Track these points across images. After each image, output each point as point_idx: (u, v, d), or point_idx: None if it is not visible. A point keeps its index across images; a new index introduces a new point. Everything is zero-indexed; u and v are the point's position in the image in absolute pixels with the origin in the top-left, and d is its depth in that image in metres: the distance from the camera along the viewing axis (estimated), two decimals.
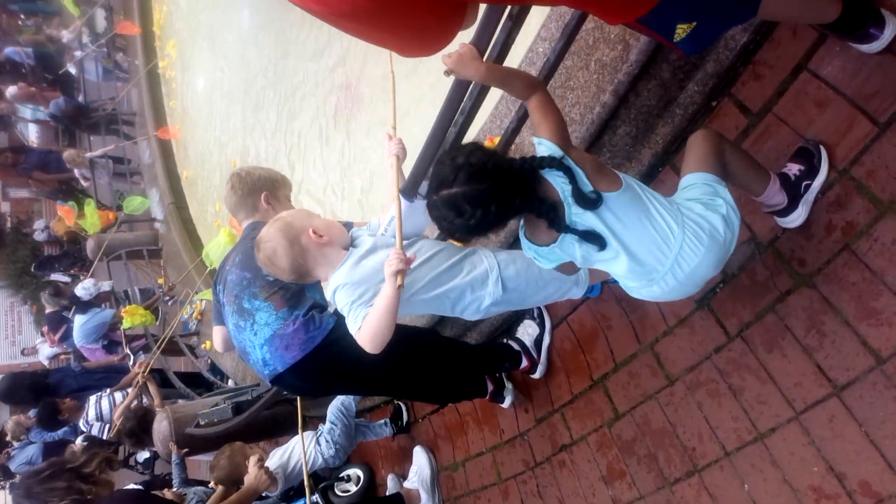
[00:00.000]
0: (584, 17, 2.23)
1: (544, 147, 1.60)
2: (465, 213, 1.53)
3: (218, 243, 5.13)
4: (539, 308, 2.87)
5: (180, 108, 9.29)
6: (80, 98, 10.28)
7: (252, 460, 3.14)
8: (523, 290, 2.14)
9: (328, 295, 2.02)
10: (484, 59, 2.18)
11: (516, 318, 3.01)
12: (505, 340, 2.88)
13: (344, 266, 1.98)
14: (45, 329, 8.87)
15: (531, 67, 2.49)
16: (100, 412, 5.48)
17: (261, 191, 2.55)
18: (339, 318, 2.37)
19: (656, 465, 2.41)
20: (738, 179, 1.88)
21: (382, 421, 3.84)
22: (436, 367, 2.59)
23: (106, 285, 7.39)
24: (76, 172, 9.34)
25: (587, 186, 1.57)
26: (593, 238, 1.60)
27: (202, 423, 4.10)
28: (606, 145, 2.39)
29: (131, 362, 6.03)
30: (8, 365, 15.43)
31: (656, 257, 1.64)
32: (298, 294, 2.37)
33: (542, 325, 2.86)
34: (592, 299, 2.67)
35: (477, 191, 1.52)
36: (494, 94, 2.41)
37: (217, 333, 2.67)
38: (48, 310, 8.43)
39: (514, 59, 2.46)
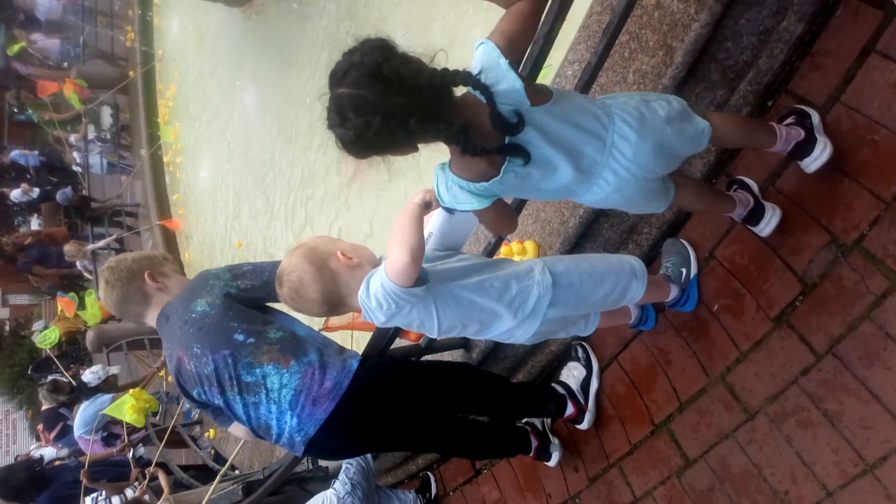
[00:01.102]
0: (617, 32, 2.12)
1: (481, 49, 1.39)
2: (348, 121, 1.30)
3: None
4: (584, 347, 2.60)
5: (183, 196, 9.30)
6: (84, 192, 10.33)
7: None
8: (578, 287, 1.86)
9: (362, 300, 1.69)
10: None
11: (558, 362, 2.74)
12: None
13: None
14: (40, 427, 8.41)
15: None
16: None
17: (141, 270, 2.23)
18: (363, 361, 2.12)
19: None
20: (746, 140, 1.94)
21: (409, 490, 3.47)
22: (477, 401, 2.30)
23: (114, 369, 7.07)
24: (78, 265, 9.20)
25: (510, 105, 1.38)
26: (518, 152, 1.43)
27: None
28: None
29: (131, 454, 5.63)
30: None
31: (591, 156, 1.54)
32: (292, 338, 2.10)
33: (588, 367, 2.58)
34: (646, 333, 2.41)
35: (361, 97, 1.28)
36: None
37: (236, 430, 2.32)
38: (45, 406, 8.02)
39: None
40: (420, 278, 1.61)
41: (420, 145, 1.43)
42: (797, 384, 1.94)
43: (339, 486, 3.08)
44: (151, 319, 2.25)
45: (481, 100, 1.37)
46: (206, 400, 2.13)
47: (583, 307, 1.92)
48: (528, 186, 1.57)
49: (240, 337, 2.04)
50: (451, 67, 1.37)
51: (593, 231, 2.46)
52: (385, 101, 1.28)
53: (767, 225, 2.00)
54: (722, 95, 2.09)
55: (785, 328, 1.99)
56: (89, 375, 6.82)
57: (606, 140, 1.53)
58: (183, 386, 2.16)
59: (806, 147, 1.87)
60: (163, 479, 4.87)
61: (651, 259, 2.40)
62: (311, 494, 4.38)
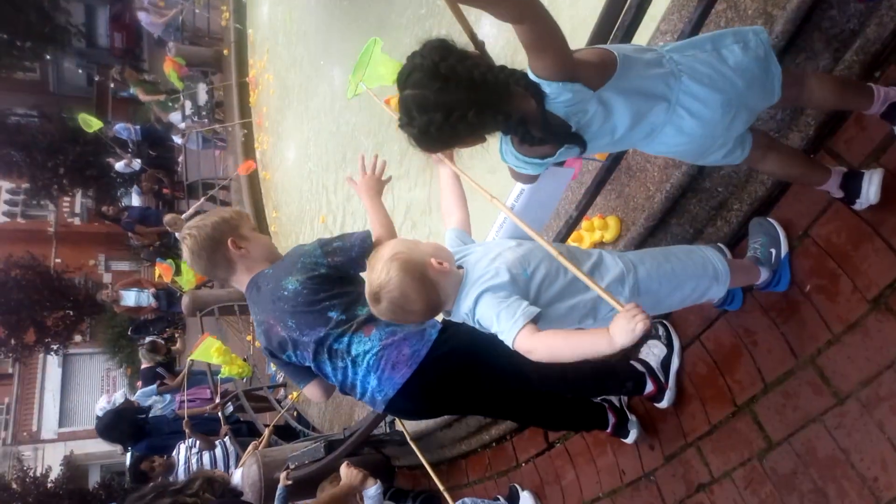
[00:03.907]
0: (713, 0, 2.07)
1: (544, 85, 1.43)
2: (414, 120, 1.42)
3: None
4: (665, 325, 2.57)
5: (271, 172, 9.65)
6: (180, 162, 10.96)
7: (342, 468, 2.94)
8: (656, 292, 1.87)
9: (462, 316, 1.79)
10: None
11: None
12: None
13: (472, 273, 1.77)
14: (138, 384, 9.06)
15: None
16: (188, 471, 5.41)
17: (224, 238, 2.24)
18: (443, 329, 2.18)
19: (826, 502, 2.02)
20: (842, 101, 1.87)
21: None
22: (554, 375, 2.33)
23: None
24: (177, 235, 9.76)
25: (571, 105, 1.45)
26: (575, 141, 1.51)
27: (292, 466, 3.93)
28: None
29: (221, 413, 5.99)
30: None
31: (655, 115, 1.57)
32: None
33: (669, 346, 2.55)
34: (732, 313, 2.36)
35: (423, 96, 1.39)
36: None
37: (312, 389, 2.39)
38: (144, 365, 8.63)
39: None
40: None
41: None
42: (893, 368, 1.86)
43: None
44: (238, 283, 2.33)
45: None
46: (296, 361, 2.27)
47: (658, 309, 1.92)
48: (591, 149, 1.61)
49: (333, 314, 2.15)
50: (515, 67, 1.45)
51: (680, 206, 2.41)
52: (444, 97, 1.38)
53: None
54: (825, 65, 2.00)
55: (882, 310, 1.90)
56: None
57: (672, 99, 1.56)
58: (270, 349, 2.28)
59: None
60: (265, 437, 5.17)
61: (741, 237, 2.34)
62: (387, 458, 4.56)
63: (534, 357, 1.60)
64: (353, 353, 2.15)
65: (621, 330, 1.42)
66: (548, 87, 1.42)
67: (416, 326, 2.18)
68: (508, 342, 1.63)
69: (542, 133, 1.47)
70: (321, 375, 2.29)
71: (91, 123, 9.80)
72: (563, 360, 1.59)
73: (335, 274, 2.21)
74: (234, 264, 2.28)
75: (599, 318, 1.85)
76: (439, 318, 2.35)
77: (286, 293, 2.16)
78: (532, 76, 1.43)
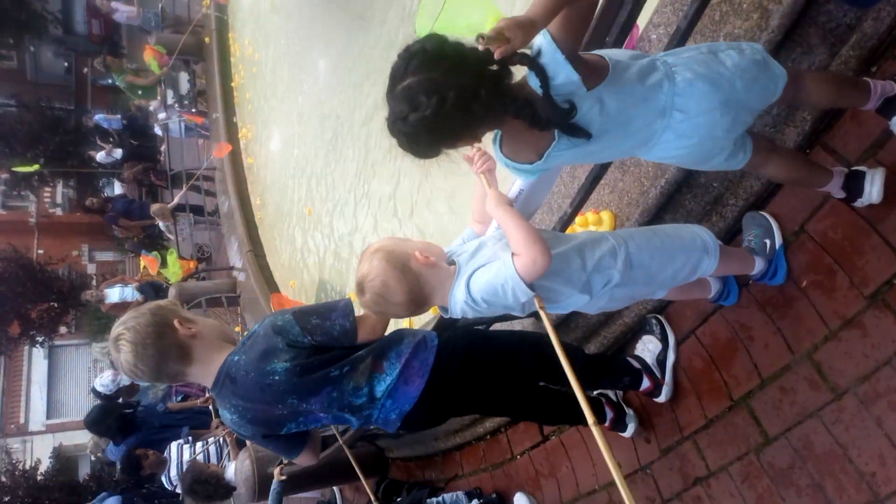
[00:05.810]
0: None
1: (539, 38, 1.42)
2: (421, 105, 1.33)
3: None
4: (659, 320, 2.57)
5: (256, 160, 9.54)
6: (163, 149, 10.83)
7: None
8: (648, 266, 1.86)
9: (460, 305, 1.76)
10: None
11: (632, 335, 2.72)
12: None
13: (464, 268, 1.75)
14: None
15: None
16: (181, 467, 5.39)
17: (168, 320, 1.94)
18: (441, 334, 2.16)
19: (823, 496, 2.03)
20: (838, 98, 1.86)
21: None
22: (550, 370, 2.32)
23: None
24: (161, 225, 9.65)
25: (563, 89, 1.43)
26: (579, 131, 1.47)
27: (285, 462, 3.91)
28: None
29: (212, 405, 5.95)
30: None
31: (650, 120, 1.56)
32: (375, 344, 2.08)
33: (664, 341, 2.55)
34: (727, 308, 2.35)
35: (430, 79, 1.34)
36: None
37: (303, 457, 2.25)
38: None
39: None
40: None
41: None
42: (891, 364, 1.87)
43: None
44: (198, 375, 2.02)
45: (534, 88, 1.43)
46: (298, 430, 2.08)
47: (652, 285, 1.91)
48: (582, 156, 1.62)
49: (335, 372, 1.98)
50: None
51: (675, 202, 2.40)
52: (454, 77, 1.34)
53: None
54: (821, 60, 1.98)
55: (880, 306, 1.90)
56: (100, 386, 6.83)
57: (666, 104, 1.54)
58: (263, 432, 2.06)
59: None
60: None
61: (736, 232, 2.33)
62: (381, 450, 4.56)
63: (539, 264, 1.58)
64: (376, 394, 2.03)
65: (489, 199, 1.68)
66: (552, 52, 1.40)
67: (414, 337, 2.12)
68: (516, 278, 1.61)
69: (548, 113, 1.43)
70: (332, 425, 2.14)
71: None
72: (522, 230, 1.59)
73: (314, 348, 2.01)
74: (188, 349, 1.96)
75: (587, 261, 1.82)
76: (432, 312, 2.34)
77: (277, 377, 1.93)
78: (545, 37, 1.40)
